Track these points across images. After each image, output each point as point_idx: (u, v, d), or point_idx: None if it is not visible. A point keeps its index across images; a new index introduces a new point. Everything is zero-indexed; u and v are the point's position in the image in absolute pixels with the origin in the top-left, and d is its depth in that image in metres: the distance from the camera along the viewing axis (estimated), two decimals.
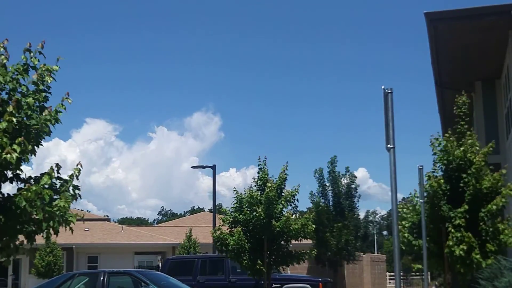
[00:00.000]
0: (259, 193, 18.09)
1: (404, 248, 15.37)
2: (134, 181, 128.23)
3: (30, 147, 8.84)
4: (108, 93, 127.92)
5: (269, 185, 17.90)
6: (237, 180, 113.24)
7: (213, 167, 29.92)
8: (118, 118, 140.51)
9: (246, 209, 17.89)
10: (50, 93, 9.57)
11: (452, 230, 13.63)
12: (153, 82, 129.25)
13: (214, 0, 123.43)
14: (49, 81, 9.53)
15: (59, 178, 9.46)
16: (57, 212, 8.99)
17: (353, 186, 34.58)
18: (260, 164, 18.85)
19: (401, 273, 34.63)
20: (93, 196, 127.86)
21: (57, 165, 9.46)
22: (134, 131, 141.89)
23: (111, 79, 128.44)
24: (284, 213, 18.19)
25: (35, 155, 9.25)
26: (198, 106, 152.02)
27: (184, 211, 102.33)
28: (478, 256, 13.31)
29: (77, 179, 9.61)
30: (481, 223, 13.74)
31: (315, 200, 32.83)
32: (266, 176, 18.56)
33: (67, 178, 9.55)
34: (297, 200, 18.66)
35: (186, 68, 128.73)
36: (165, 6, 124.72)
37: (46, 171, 9.33)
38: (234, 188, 18.85)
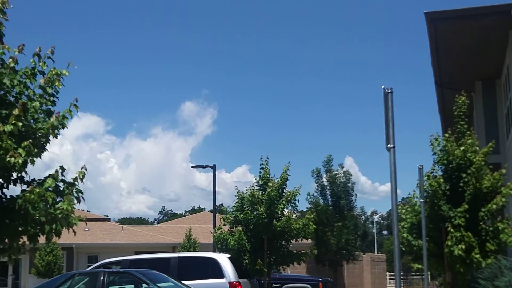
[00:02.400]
0: (260, 193, 18.09)
1: (403, 248, 15.38)
2: (123, 177, 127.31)
3: (35, 150, 8.84)
4: (101, 89, 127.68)
5: (271, 184, 17.92)
6: (228, 177, 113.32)
7: (213, 167, 29.86)
8: (109, 113, 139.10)
9: (247, 208, 17.90)
10: (57, 97, 9.59)
11: (452, 230, 13.63)
12: (147, 79, 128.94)
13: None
14: (59, 86, 9.54)
15: (63, 181, 9.46)
16: (60, 215, 8.99)
17: (349, 184, 34.24)
18: (262, 164, 18.87)
19: (401, 273, 34.42)
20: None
21: (61, 167, 9.47)
22: (126, 127, 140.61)
23: (105, 75, 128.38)
24: (285, 212, 18.23)
25: (40, 158, 9.26)
26: (191, 99, 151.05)
27: (184, 211, 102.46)
28: (477, 256, 13.31)
29: (82, 181, 9.60)
30: (481, 223, 13.75)
31: (314, 200, 32.63)
32: (268, 176, 18.57)
33: (72, 181, 9.54)
34: (298, 200, 18.73)
35: (180, 65, 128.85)
36: (159, 4, 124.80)
37: (52, 173, 9.35)
38: (236, 187, 18.88)
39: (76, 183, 9.54)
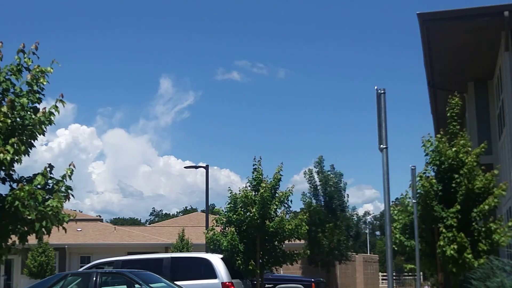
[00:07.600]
0: (253, 193, 18.09)
1: (396, 248, 15.40)
2: (92, 172, 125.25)
3: (23, 148, 8.83)
4: (81, 80, 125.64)
5: (264, 185, 17.91)
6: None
7: (206, 167, 29.83)
8: (80, 100, 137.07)
9: (240, 209, 17.88)
10: (43, 94, 9.61)
11: (444, 230, 13.68)
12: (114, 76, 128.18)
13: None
14: (44, 83, 9.56)
15: (51, 178, 9.47)
16: (50, 212, 8.98)
17: (341, 185, 34.34)
18: (255, 164, 18.88)
19: (394, 273, 34.41)
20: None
21: (50, 165, 9.47)
22: (92, 112, 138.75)
23: (97, 71, 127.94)
24: (278, 213, 18.23)
25: (28, 155, 9.25)
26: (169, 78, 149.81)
27: (176, 211, 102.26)
28: (470, 256, 13.36)
29: (70, 179, 9.62)
30: (473, 223, 13.80)
31: (306, 200, 32.72)
32: (261, 176, 18.57)
33: (60, 178, 9.55)
34: (291, 201, 18.75)
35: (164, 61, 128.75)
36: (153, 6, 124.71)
37: (41, 171, 9.34)
38: (229, 188, 18.88)
39: (64, 180, 9.55)
